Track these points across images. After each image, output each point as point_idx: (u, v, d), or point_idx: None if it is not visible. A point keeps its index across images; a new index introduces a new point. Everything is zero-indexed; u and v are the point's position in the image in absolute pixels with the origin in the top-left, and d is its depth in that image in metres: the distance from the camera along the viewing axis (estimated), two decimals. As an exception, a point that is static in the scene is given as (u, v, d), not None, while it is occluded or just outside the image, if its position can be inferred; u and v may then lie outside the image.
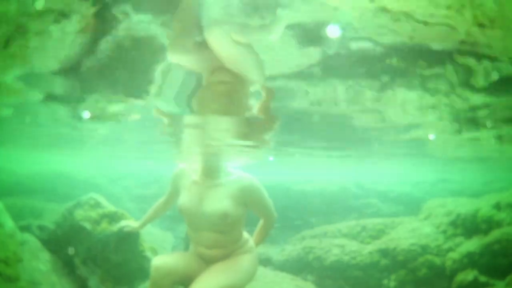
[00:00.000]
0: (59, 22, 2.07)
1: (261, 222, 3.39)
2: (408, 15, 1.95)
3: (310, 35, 2.29)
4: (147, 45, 2.31)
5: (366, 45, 2.34)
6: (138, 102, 3.30)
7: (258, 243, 3.37)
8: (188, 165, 3.32)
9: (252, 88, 2.79)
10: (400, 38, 2.21)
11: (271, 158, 9.05)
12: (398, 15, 1.95)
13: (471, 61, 2.39)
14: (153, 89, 2.99)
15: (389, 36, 2.18)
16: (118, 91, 3.07)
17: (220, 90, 2.53)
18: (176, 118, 3.90)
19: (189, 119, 3.77)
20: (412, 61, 2.53)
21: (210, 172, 3.11)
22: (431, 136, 5.18)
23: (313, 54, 2.51)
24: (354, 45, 2.35)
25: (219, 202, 2.96)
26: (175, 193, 3.33)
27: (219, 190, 3.02)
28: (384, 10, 1.92)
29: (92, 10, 1.98)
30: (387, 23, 2.04)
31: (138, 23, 2.09)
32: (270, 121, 3.82)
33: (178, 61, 2.52)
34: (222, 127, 3.83)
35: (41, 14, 1.98)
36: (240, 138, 4.28)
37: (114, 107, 3.53)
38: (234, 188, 3.02)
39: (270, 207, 3.23)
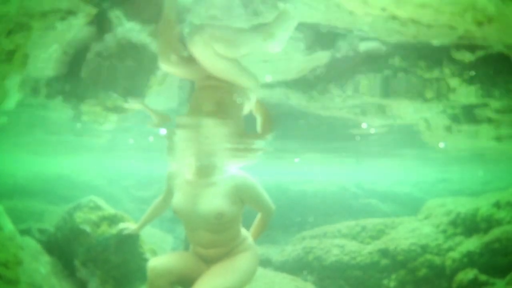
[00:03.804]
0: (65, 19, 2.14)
1: (259, 215, 3.36)
2: (415, 21, 1.98)
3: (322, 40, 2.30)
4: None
5: (374, 44, 2.35)
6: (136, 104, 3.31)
7: (257, 236, 3.35)
8: (181, 164, 3.28)
9: (247, 108, 2.77)
10: (405, 38, 2.24)
11: (296, 160, 8.85)
12: (406, 21, 1.99)
13: (466, 55, 2.43)
14: (151, 88, 3.00)
15: (395, 36, 2.22)
16: (117, 91, 3.08)
17: (211, 92, 2.51)
18: (165, 117, 3.93)
19: (181, 120, 3.75)
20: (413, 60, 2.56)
21: (204, 170, 3.03)
22: (441, 144, 5.17)
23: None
24: (363, 46, 2.36)
25: (213, 201, 2.89)
26: (170, 192, 3.27)
27: (213, 189, 2.94)
28: (394, 17, 1.96)
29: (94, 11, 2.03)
30: (395, 26, 2.08)
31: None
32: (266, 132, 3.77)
33: (169, 71, 2.54)
34: (215, 131, 3.81)
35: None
36: (234, 142, 4.26)
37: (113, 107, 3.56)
38: (228, 186, 2.94)
39: (266, 200, 3.19)
